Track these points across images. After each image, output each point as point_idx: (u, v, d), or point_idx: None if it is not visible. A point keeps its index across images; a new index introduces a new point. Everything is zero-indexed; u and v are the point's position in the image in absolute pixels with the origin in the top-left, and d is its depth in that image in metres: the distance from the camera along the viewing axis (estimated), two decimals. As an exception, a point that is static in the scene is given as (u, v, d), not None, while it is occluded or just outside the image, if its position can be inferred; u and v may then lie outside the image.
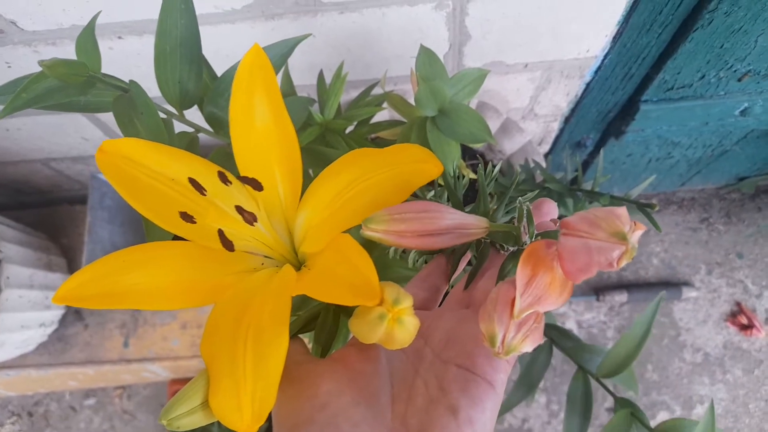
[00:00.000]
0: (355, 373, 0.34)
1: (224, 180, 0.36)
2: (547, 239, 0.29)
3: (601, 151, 0.68)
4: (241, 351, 0.29)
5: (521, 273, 0.27)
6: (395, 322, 0.28)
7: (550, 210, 0.38)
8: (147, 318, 1.12)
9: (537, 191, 0.69)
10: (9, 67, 0.73)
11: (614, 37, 0.79)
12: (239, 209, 0.35)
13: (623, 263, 0.23)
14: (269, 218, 0.38)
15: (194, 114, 0.53)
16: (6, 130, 0.92)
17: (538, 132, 1.08)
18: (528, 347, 0.27)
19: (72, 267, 1.16)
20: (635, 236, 0.23)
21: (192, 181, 0.35)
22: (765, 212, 1.48)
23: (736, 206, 1.49)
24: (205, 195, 0.36)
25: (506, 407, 0.59)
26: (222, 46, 0.72)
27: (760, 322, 1.36)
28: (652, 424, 0.51)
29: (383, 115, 0.86)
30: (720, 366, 1.36)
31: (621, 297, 1.38)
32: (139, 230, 1.10)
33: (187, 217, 0.35)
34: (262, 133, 0.37)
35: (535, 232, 0.32)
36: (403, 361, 0.36)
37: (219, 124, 0.54)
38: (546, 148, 1.16)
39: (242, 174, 0.37)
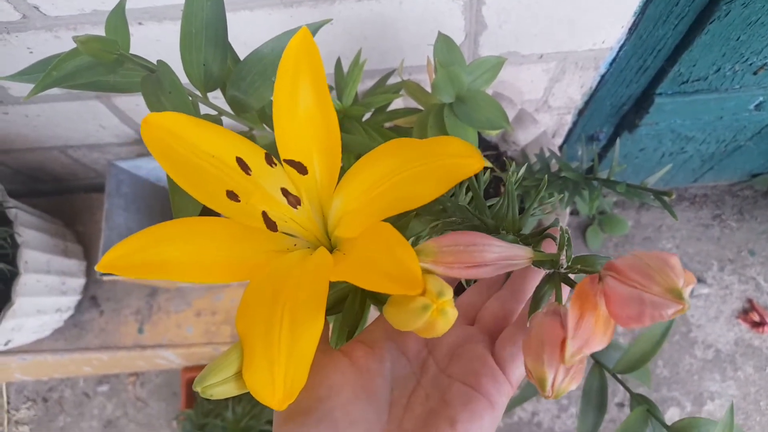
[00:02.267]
0: (359, 369, 0.35)
1: (270, 161, 0.36)
2: (591, 276, 0.29)
3: (617, 140, 0.69)
4: (277, 329, 0.30)
5: (572, 315, 0.27)
6: (439, 312, 0.28)
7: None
8: (162, 305, 1.14)
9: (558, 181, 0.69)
10: (30, 52, 0.74)
11: (630, 29, 0.79)
12: (285, 192, 0.36)
13: (676, 317, 0.24)
14: (296, 189, 0.38)
15: (216, 100, 0.54)
16: (25, 116, 0.93)
17: (552, 125, 1.09)
18: (573, 387, 0.28)
19: (88, 254, 1.18)
20: (688, 290, 0.24)
21: (239, 161, 0.36)
22: (778, 209, 1.47)
23: (748, 203, 1.49)
24: (249, 175, 0.36)
25: (518, 401, 0.59)
26: (240, 33, 0.73)
27: (772, 320, 1.36)
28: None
29: (398, 104, 0.86)
30: (731, 363, 1.36)
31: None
32: (154, 217, 1.11)
33: (232, 196, 0.35)
34: (304, 117, 0.38)
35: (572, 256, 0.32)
36: (406, 367, 0.37)
37: (241, 107, 0.55)
38: (559, 141, 1.16)
39: (282, 157, 0.38)
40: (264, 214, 0.36)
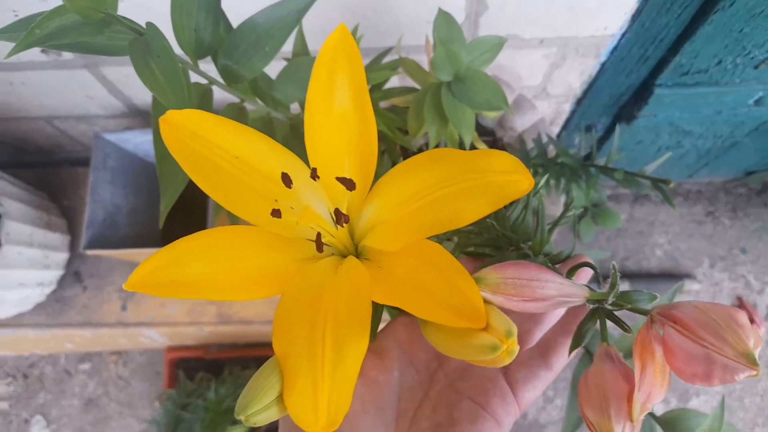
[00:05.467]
0: (367, 380, 0.34)
1: (314, 176, 0.34)
2: (646, 323, 0.28)
3: (616, 127, 0.67)
4: (319, 351, 0.28)
5: (637, 368, 0.26)
6: (507, 354, 0.27)
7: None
8: (146, 283, 1.12)
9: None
10: (16, 15, 0.72)
11: (633, 16, 0.78)
12: (337, 212, 0.34)
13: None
14: (334, 202, 0.36)
15: (208, 70, 0.52)
16: (9, 83, 0.91)
17: (550, 113, 1.07)
18: None
19: (72, 228, 1.15)
20: (758, 351, 0.23)
21: (284, 176, 0.34)
22: (771, 208, 1.47)
23: (742, 201, 1.48)
24: (290, 188, 0.34)
25: None
26: (233, 4, 0.70)
27: (760, 318, 1.36)
28: (649, 415, 0.50)
29: (395, 84, 0.84)
30: (717, 359, 1.36)
31: (623, 287, 1.37)
32: (141, 193, 1.09)
33: (276, 213, 0.33)
34: (338, 119, 0.35)
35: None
36: (414, 378, 0.36)
37: (233, 77, 0.53)
38: (556, 130, 1.14)
39: (310, 156, 0.35)
40: (318, 236, 0.34)
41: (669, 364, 0.25)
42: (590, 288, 0.31)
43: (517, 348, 0.27)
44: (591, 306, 0.32)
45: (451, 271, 0.29)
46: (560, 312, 0.37)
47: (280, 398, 0.29)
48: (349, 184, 0.34)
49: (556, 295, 0.30)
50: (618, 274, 0.30)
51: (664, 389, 0.27)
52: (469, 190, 0.31)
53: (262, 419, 0.29)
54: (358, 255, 0.36)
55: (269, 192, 0.35)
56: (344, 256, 0.36)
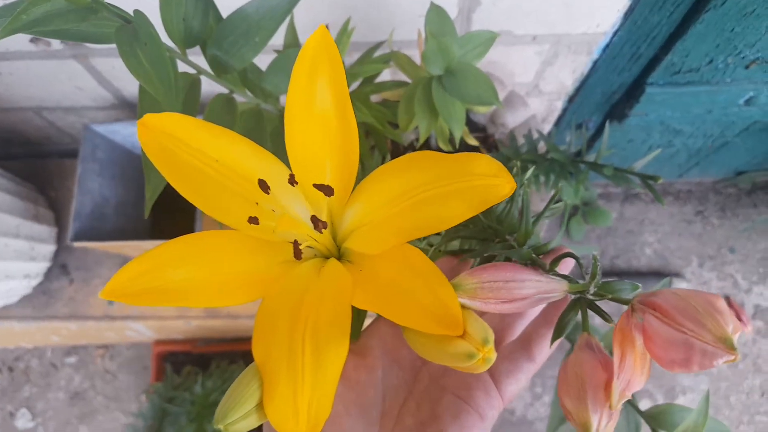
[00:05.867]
0: (350, 381, 0.34)
1: (292, 182, 0.34)
2: (626, 312, 0.28)
3: (606, 124, 0.67)
4: (299, 357, 0.28)
5: (615, 355, 0.26)
6: (483, 362, 0.27)
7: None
8: (134, 276, 1.11)
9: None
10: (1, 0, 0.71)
11: (626, 13, 0.78)
12: (314, 219, 0.34)
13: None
14: (314, 207, 0.36)
15: (196, 59, 0.52)
16: (-3, 73, 0.90)
17: (542, 110, 1.07)
18: (612, 428, 0.27)
19: (59, 220, 1.14)
20: (736, 337, 0.23)
21: (261, 183, 0.33)
22: (760, 208, 1.48)
23: (731, 201, 1.49)
24: (268, 194, 0.34)
25: None
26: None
27: (747, 317, 1.37)
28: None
29: (386, 77, 0.84)
30: (704, 358, 1.37)
31: (612, 284, 1.38)
32: (130, 185, 1.08)
33: (253, 220, 0.33)
34: (318, 124, 0.35)
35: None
36: (399, 378, 0.36)
37: (222, 68, 0.52)
38: (548, 127, 1.14)
39: (291, 159, 0.35)
40: (295, 243, 0.34)
41: (649, 351, 0.25)
42: (571, 279, 0.31)
43: (493, 356, 0.27)
44: (573, 297, 0.32)
45: (429, 277, 0.29)
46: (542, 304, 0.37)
47: (260, 406, 0.29)
48: (327, 190, 0.34)
49: (535, 293, 0.30)
50: (599, 264, 0.30)
51: (645, 377, 0.27)
52: (452, 193, 0.31)
53: (242, 427, 0.29)
54: (341, 257, 0.36)
55: (250, 195, 0.34)
56: (327, 258, 0.36)
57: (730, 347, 0.23)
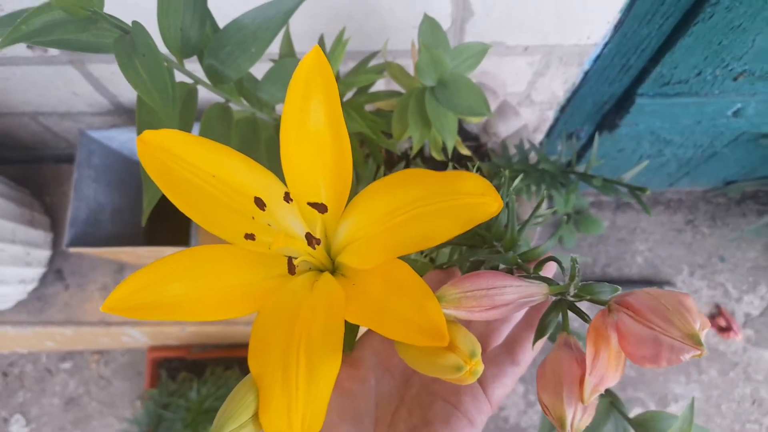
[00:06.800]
0: (343, 391, 0.35)
1: (287, 199, 0.35)
2: (602, 311, 0.29)
3: (596, 136, 0.69)
4: (293, 371, 0.29)
5: (588, 352, 0.27)
6: (471, 374, 0.28)
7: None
8: (129, 281, 1.11)
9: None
10: (1, 10, 0.72)
11: (616, 26, 0.79)
12: (309, 236, 0.35)
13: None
14: (309, 222, 0.37)
15: (194, 70, 0.52)
16: (-5, 79, 0.91)
17: (533, 120, 1.09)
18: (588, 422, 0.28)
19: (55, 226, 1.15)
20: (704, 333, 0.24)
21: (257, 200, 0.35)
22: (749, 217, 1.50)
23: (721, 210, 1.51)
24: (263, 211, 0.35)
25: None
26: (219, 5, 0.71)
27: (738, 326, 1.38)
28: (627, 419, 0.51)
29: (380, 87, 0.85)
30: (696, 366, 1.38)
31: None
32: (125, 191, 1.08)
33: (249, 237, 0.34)
34: (313, 140, 0.36)
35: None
36: (390, 385, 0.37)
37: (218, 78, 0.53)
38: (540, 137, 1.16)
39: (286, 175, 0.36)
40: (290, 260, 0.35)
41: (622, 348, 0.27)
42: (552, 282, 0.32)
43: (480, 368, 0.28)
44: (554, 299, 0.33)
45: (414, 291, 0.30)
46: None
47: (255, 417, 0.30)
48: (320, 208, 0.35)
49: (517, 298, 0.31)
50: (578, 266, 0.31)
51: (619, 374, 0.27)
52: (440, 211, 0.32)
53: None
54: (335, 270, 0.37)
55: (246, 210, 0.35)
56: (322, 271, 0.37)
57: (697, 343, 0.24)
